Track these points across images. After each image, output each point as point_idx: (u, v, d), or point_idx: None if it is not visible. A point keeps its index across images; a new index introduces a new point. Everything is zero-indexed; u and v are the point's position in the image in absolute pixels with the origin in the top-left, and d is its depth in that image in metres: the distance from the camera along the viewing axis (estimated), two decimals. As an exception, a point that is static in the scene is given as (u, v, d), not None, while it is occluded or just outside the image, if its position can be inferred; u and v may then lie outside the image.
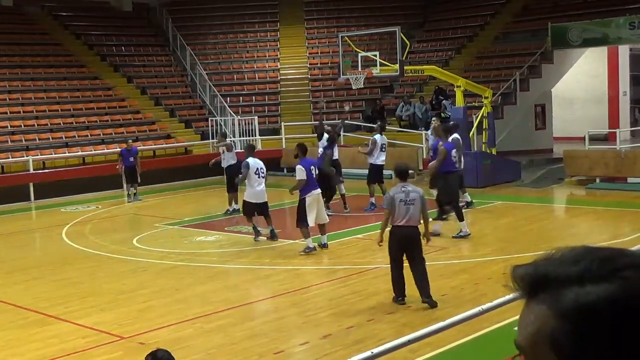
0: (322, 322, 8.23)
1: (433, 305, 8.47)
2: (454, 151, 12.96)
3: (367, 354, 4.94)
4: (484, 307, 6.13)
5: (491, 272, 10.04)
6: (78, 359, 7.42)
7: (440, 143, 13.13)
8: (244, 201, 13.09)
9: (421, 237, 8.77)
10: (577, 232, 13.30)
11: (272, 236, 12.84)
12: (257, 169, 12.83)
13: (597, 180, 18.52)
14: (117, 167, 18.85)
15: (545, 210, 15.89)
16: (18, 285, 10.67)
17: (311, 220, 11.58)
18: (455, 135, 14.23)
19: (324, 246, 11.90)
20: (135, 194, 18.77)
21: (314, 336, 7.75)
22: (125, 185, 19.23)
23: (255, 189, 12.81)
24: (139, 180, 18.80)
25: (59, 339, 8.13)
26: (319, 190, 11.91)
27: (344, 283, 9.81)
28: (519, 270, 1.01)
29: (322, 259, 11.48)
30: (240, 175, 13.09)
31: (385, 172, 15.62)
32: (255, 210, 12.95)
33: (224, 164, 16.32)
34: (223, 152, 16.47)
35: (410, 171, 9.62)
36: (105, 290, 10.13)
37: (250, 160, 12.89)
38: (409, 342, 5.36)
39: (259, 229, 12.93)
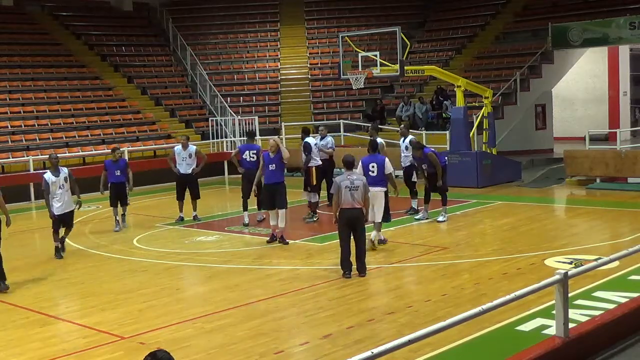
0: (322, 322, 8.22)
1: (363, 271, 10.05)
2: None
3: (367, 354, 4.94)
4: (484, 307, 6.14)
5: (492, 272, 10.06)
6: (78, 359, 7.42)
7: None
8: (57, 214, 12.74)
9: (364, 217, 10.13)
10: (577, 232, 13.27)
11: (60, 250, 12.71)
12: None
13: (598, 180, 18.52)
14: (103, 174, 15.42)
15: (545, 210, 15.87)
16: (18, 285, 10.66)
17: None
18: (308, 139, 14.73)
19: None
20: (123, 216, 15.19)
21: (314, 336, 7.74)
22: (112, 208, 15.13)
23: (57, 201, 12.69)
24: (127, 201, 15.26)
25: (59, 339, 8.13)
26: None
27: (344, 283, 9.82)
28: None
29: (322, 259, 11.47)
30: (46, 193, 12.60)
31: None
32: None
33: (187, 170, 15.19)
34: (190, 156, 15.21)
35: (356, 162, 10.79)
36: (105, 290, 10.13)
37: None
38: (409, 342, 5.37)
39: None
